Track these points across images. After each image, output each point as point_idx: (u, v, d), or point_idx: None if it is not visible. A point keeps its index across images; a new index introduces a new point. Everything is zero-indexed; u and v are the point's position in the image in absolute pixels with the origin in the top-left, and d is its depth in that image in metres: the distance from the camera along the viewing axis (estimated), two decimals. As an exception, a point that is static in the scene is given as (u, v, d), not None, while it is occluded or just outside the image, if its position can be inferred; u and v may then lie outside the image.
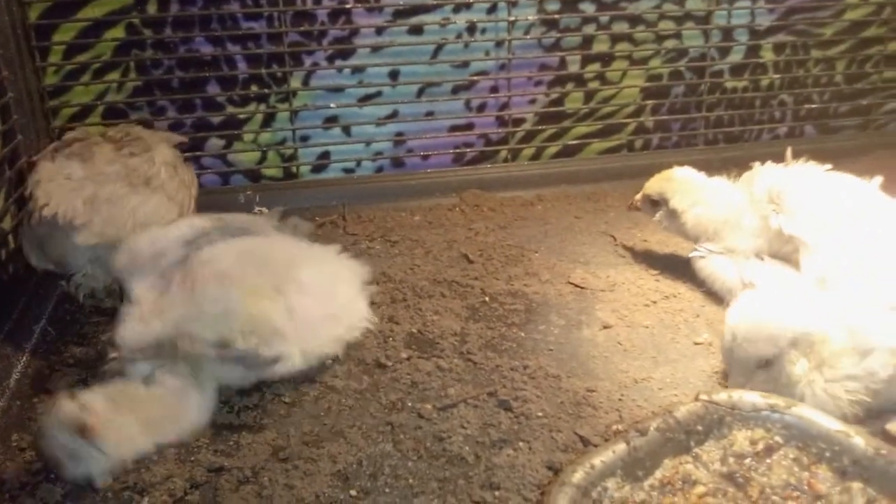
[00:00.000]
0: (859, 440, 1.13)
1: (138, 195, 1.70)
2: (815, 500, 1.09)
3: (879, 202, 1.60)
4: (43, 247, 1.66)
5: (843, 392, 1.26)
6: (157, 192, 1.74)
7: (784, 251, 1.63)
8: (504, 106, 2.42)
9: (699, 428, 1.20)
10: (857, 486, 1.10)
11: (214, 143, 2.27)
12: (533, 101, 2.44)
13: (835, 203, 1.58)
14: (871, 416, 1.28)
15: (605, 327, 1.65)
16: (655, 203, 1.82)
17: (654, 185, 1.83)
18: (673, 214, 1.78)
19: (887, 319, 1.28)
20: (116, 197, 1.66)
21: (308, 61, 2.26)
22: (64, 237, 1.60)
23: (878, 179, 1.64)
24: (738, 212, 1.71)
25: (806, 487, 1.11)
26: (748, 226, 1.69)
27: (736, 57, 2.52)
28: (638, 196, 1.86)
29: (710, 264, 1.72)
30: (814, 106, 2.63)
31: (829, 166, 1.69)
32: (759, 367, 1.30)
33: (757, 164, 1.76)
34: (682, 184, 1.78)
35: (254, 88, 2.24)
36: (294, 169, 2.35)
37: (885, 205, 1.59)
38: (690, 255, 1.76)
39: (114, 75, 2.16)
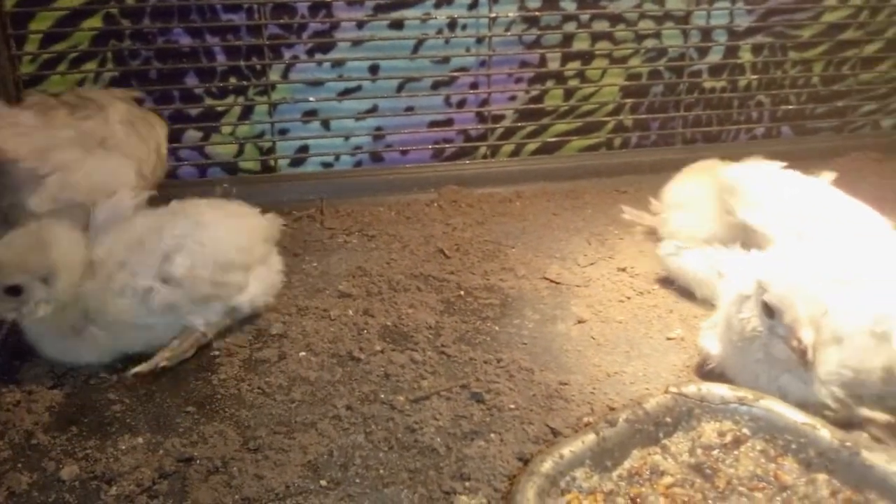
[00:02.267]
0: (825, 432, 1.15)
1: (94, 158, 1.69)
2: (781, 491, 1.10)
3: (833, 196, 1.64)
4: None
5: None
6: (113, 153, 1.73)
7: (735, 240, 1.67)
8: (484, 102, 2.42)
9: (668, 420, 1.21)
10: (822, 477, 1.11)
11: (192, 135, 2.26)
12: (513, 98, 2.45)
13: (791, 196, 1.61)
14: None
15: (580, 322, 1.65)
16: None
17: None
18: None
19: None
20: (70, 162, 1.64)
21: (288, 54, 2.26)
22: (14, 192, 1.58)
23: (830, 175, 1.68)
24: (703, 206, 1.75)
25: (772, 478, 1.12)
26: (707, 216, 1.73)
27: (714, 57, 2.54)
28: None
29: (679, 260, 1.74)
30: (791, 107, 2.65)
31: (783, 163, 1.73)
32: None
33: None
34: (686, 200, 1.83)
35: (232, 81, 2.23)
36: (272, 162, 2.34)
37: (837, 198, 1.63)
38: (659, 253, 1.78)
39: (91, 65, 2.14)
